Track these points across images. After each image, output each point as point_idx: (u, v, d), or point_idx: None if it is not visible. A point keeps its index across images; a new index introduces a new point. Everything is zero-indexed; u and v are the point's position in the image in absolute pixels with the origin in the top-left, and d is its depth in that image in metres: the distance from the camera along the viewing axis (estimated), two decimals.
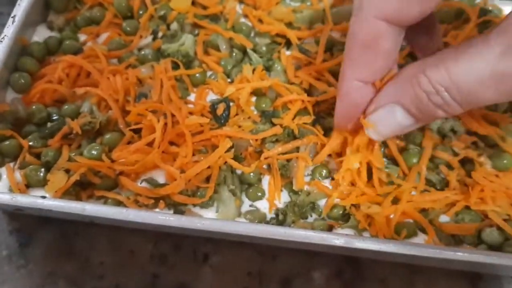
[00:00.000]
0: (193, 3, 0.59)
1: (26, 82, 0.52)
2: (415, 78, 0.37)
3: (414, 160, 0.48)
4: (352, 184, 0.47)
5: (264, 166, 0.49)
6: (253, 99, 0.53)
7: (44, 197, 0.44)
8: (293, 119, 0.50)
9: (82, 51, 0.55)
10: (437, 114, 0.38)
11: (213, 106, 0.51)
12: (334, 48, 0.58)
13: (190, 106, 0.52)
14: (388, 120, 0.41)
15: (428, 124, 0.51)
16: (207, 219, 0.44)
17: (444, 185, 0.48)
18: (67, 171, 0.46)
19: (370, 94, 0.42)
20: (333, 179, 0.48)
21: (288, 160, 0.48)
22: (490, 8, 0.61)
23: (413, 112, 0.39)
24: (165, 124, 0.48)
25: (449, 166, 0.49)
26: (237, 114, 0.51)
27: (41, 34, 0.57)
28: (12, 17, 0.53)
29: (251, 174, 0.47)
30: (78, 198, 0.46)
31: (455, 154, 0.49)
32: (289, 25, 0.59)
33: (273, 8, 0.59)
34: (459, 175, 0.48)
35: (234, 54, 0.56)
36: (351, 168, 0.46)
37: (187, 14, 0.58)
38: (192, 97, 0.53)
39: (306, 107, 0.52)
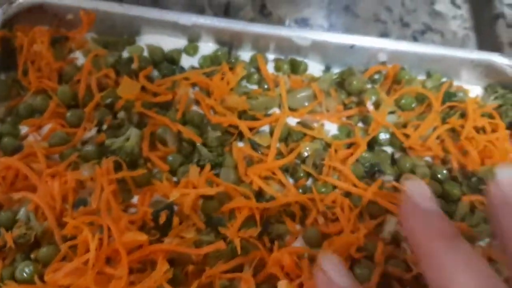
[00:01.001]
0: (142, 89, 0.56)
1: None
2: None
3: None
4: None
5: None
6: (200, 201, 0.51)
7: None
8: (239, 230, 0.48)
9: (22, 148, 0.52)
10: None
11: (156, 213, 0.48)
12: (289, 138, 0.55)
13: (133, 210, 0.50)
14: None
15: (382, 233, 0.49)
16: None
17: None
18: None
19: None
20: None
21: (231, 279, 0.46)
22: (455, 91, 0.59)
23: None
24: (101, 239, 0.45)
25: (402, 283, 0.46)
26: (181, 223, 0.49)
27: None
28: None
29: None
30: None
31: (409, 269, 0.47)
32: (244, 112, 0.56)
33: (227, 96, 0.56)
34: None
35: (183, 146, 0.54)
36: None
37: (136, 102, 0.55)
38: (136, 199, 0.51)
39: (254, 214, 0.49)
